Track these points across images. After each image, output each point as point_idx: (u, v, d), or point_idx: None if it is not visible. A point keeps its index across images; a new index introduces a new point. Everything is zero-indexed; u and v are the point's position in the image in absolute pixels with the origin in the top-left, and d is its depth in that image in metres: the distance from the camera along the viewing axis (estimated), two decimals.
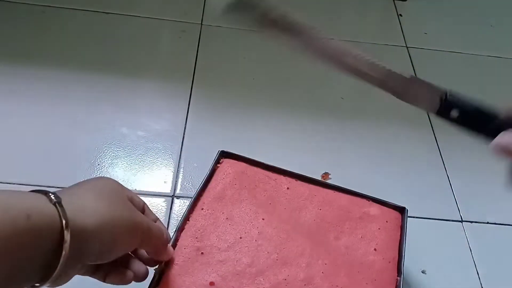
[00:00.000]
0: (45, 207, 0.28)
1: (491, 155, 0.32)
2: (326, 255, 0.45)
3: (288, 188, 0.50)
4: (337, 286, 0.43)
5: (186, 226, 0.44)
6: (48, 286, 0.30)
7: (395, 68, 0.36)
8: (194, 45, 0.76)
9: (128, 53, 0.73)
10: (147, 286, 0.40)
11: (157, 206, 0.55)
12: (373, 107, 0.72)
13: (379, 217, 0.49)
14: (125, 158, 0.59)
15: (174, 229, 0.44)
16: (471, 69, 0.83)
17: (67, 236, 0.28)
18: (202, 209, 0.46)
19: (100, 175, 0.57)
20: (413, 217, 0.58)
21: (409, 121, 0.70)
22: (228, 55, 0.76)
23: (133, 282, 0.38)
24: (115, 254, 0.34)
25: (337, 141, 0.67)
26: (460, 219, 0.61)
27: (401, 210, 0.50)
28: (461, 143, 0.70)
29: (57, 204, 0.29)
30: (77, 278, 0.33)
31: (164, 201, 0.56)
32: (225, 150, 0.52)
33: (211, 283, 0.40)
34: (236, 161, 0.51)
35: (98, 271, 0.37)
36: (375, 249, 0.46)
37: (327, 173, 0.61)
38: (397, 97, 0.37)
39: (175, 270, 0.41)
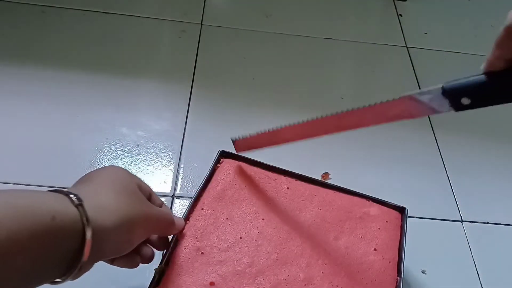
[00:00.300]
0: (68, 209, 0.30)
1: None
2: (326, 255, 0.45)
3: (288, 188, 0.50)
4: (337, 286, 0.43)
5: (186, 226, 0.44)
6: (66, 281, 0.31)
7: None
8: (194, 45, 0.76)
9: (128, 53, 0.73)
10: (147, 286, 0.40)
11: None
12: None
13: (379, 217, 0.49)
14: (125, 158, 0.59)
15: None
16: (471, 69, 0.83)
17: (88, 236, 0.30)
18: (202, 209, 0.46)
19: None
20: (413, 217, 0.58)
21: (409, 121, 0.70)
22: (228, 55, 0.76)
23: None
24: (130, 248, 0.35)
25: (337, 141, 0.66)
26: (460, 219, 0.61)
27: (401, 210, 0.50)
28: (461, 143, 0.70)
29: (79, 206, 0.30)
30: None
31: (164, 201, 0.55)
32: (225, 150, 0.52)
33: (211, 283, 0.40)
34: (236, 161, 0.51)
35: None
36: (375, 249, 0.46)
37: (327, 173, 0.61)
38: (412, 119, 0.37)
39: (175, 270, 0.41)
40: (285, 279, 0.42)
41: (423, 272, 0.54)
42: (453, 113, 0.35)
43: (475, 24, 0.93)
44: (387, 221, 0.49)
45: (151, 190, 0.41)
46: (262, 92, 0.72)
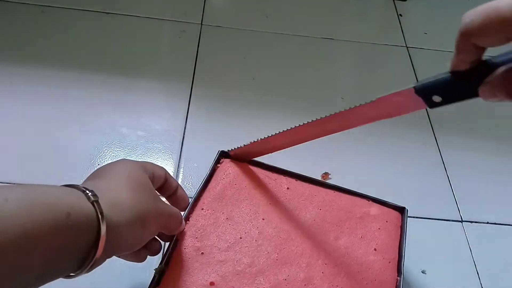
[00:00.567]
0: (84, 205, 0.30)
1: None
2: (326, 255, 0.45)
3: (288, 188, 0.50)
4: (337, 286, 0.43)
5: (186, 226, 0.44)
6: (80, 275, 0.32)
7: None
8: (194, 45, 0.76)
9: (128, 53, 0.73)
10: (147, 286, 0.40)
11: None
12: None
13: (379, 217, 0.49)
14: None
15: None
16: None
17: (103, 232, 0.30)
18: (202, 209, 0.46)
19: None
20: (413, 217, 0.58)
21: (409, 121, 0.70)
22: (228, 55, 0.76)
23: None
24: (142, 244, 0.36)
25: (337, 141, 0.66)
26: (460, 219, 0.61)
27: (401, 210, 0.50)
28: (461, 143, 0.70)
29: (94, 203, 0.30)
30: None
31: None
32: (225, 150, 0.52)
33: (211, 283, 0.41)
34: (236, 161, 0.51)
35: None
36: (375, 249, 0.46)
37: (327, 173, 0.61)
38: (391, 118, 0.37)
39: (175, 270, 0.41)
40: (285, 279, 0.42)
41: (423, 272, 0.54)
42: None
43: None
44: (387, 221, 0.49)
45: (166, 172, 0.42)
46: (262, 92, 0.72)
